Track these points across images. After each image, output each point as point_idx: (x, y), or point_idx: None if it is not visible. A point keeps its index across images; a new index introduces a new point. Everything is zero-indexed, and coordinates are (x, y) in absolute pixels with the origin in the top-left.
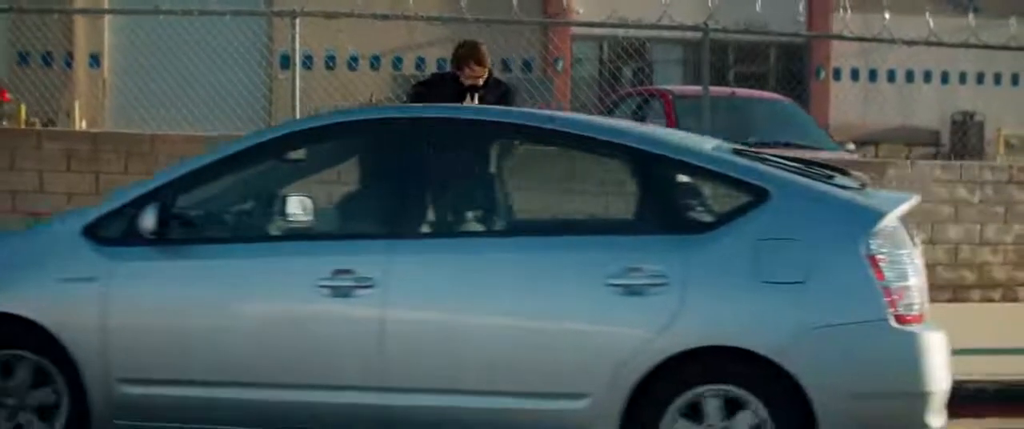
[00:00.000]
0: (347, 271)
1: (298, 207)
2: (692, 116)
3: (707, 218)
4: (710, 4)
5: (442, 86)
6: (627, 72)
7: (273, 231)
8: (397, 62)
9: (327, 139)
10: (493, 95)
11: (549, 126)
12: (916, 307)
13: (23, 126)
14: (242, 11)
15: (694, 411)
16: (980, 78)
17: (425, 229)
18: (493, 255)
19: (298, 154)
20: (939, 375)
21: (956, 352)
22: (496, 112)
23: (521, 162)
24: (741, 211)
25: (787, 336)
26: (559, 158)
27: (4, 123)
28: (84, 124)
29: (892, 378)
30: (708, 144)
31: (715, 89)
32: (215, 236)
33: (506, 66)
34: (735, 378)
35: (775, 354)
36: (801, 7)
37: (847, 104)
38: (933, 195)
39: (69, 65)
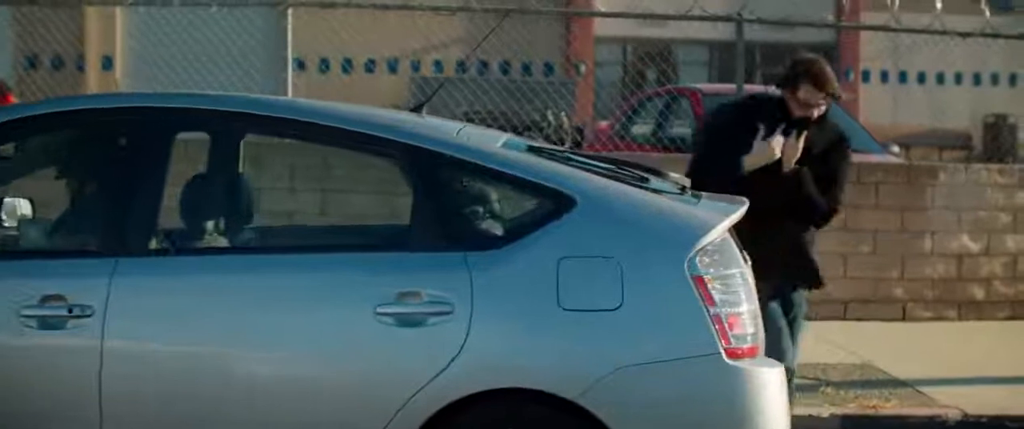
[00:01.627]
0: (58, 297)
1: (6, 215)
2: None
3: (499, 231)
4: None
5: (758, 113)
6: (651, 75)
7: None
8: (415, 65)
9: (38, 132)
10: (823, 141)
11: (305, 118)
12: (750, 338)
13: None
14: (229, 1)
15: None
16: (1012, 80)
17: (157, 245)
18: (239, 277)
19: (5, 150)
20: (778, 420)
21: (1010, 381)
22: (242, 101)
23: (278, 163)
24: (540, 223)
25: (597, 375)
26: (323, 158)
27: None
28: None
29: (724, 424)
30: (498, 140)
31: (749, 87)
32: None
33: (527, 69)
34: (534, 427)
35: (582, 397)
36: (833, 6)
37: (877, 106)
38: (989, 202)
39: (81, 68)
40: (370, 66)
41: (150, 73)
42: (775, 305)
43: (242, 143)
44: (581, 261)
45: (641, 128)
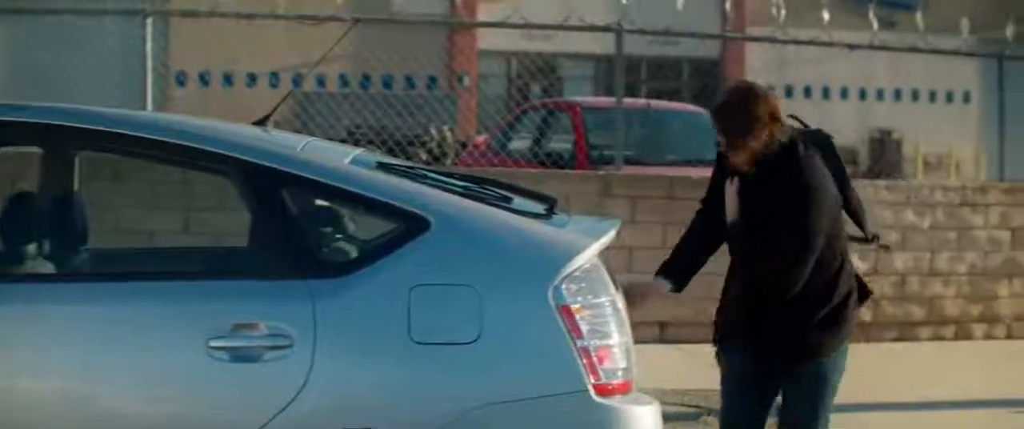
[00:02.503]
0: None
1: None
2: (603, 130)
3: (345, 257)
4: (623, 1)
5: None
6: (536, 88)
7: None
8: (296, 80)
9: None
10: (780, 191)
11: (134, 132)
12: (622, 373)
13: None
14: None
15: None
16: (898, 94)
17: None
18: (60, 308)
19: None
20: None
21: (901, 407)
22: (64, 113)
23: (111, 179)
24: (390, 248)
25: (452, 416)
26: (158, 175)
27: None
28: None
29: None
30: (345, 156)
31: (629, 101)
32: None
33: (410, 84)
34: None
35: None
36: (718, 20)
37: None
38: (876, 219)
39: None
40: (251, 80)
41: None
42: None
43: (77, 159)
44: (435, 289)
45: (519, 143)
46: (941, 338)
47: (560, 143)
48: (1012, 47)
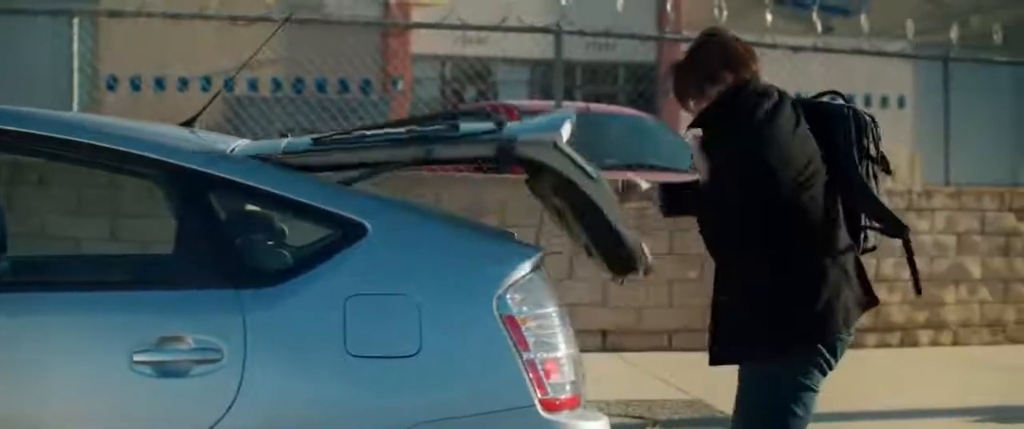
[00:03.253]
0: None
1: None
2: None
3: (277, 265)
4: (563, 2)
5: None
6: (471, 92)
7: None
8: (229, 83)
9: None
10: (717, 151)
11: (50, 132)
12: (569, 387)
13: None
14: (11, 9)
15: None
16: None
17: None
18: None
19: None
20: None
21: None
22: None
23: (35, 184)
24: (325, 255)
25: None
26: (75, 177)
27: None
28: None
29: None
30: (276, 147)
31: (567, 103)
32: None
33: (344, 87)
34: None
35: None
36: (654, 25)
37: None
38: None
39: None
40: (183, 85)
41: None
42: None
43: None
44: (372, 299)
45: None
46: (887, 345)
47: None
48: (955, 50)
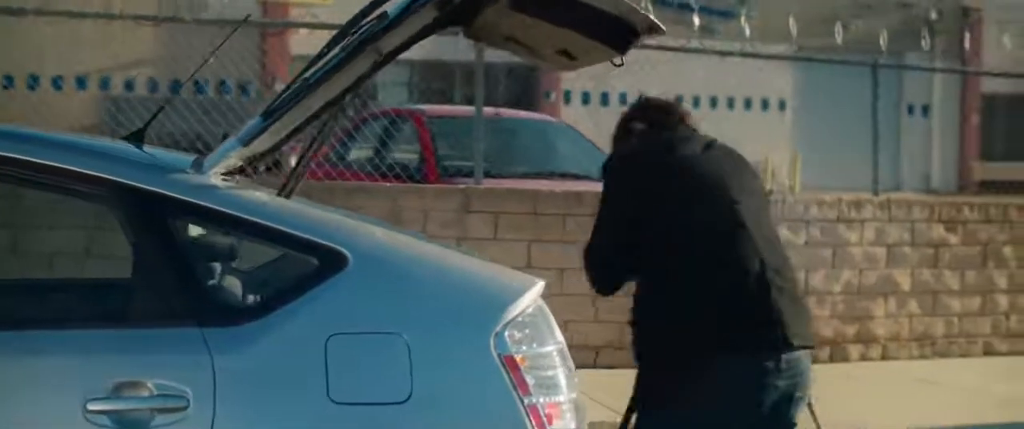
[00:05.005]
0: None
1: None
2: (449, 140)
3: (248, 300)
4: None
5: None
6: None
7: None
8: (105, 82)
9: None
10: None
11: None
12: None
13: None
14: None
15: None
16: (714, 102)
17: None
18: None
19: None
20: None
21: None
22: None
23: None
24: (301, 288)
25: None
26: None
27: None
28: None
29: None
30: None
31: (470, 109)
32: None
33: (224, 88)
34: None
35: None
36: None
37: (579, 129)
38: None
39: None
40: (58, 83)
41: None
42: None
43: None
44: (357, 339)
45: (359, 153)
46: (817, 360)
47: (404, 153)
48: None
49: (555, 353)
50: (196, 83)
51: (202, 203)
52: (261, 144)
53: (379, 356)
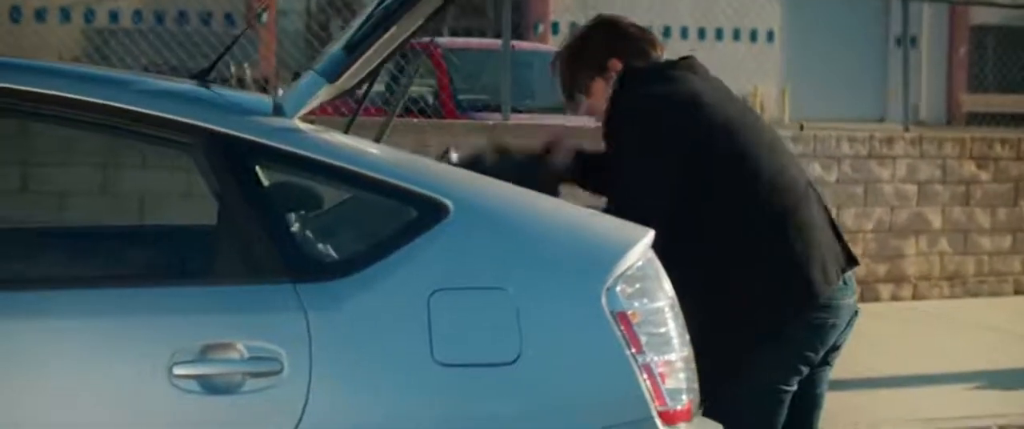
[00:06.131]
0: None
1: None
2: (465, 73)
3: (341, 253)
4: None
5: None
6: (337, 23)
7: None
8: (90, 15)
9: None
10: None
11: (55, 90)
12: (685, 395)
13: None
14: None
15: None
16: (702, 33)
17: None
18: None
19: None
20: None
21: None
22: None
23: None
24: (399, 241)
25: None
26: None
27: None
28: None
29: None
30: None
31: (484, 41)
32: None
33: (205, 21)
34: None
35: None
36: None
37: None
38: None
39: None
40: (41, 15)
41: None
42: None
43: None
44: (461, 295)
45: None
46: None
47: (418, 86)
48: None
49: (667, 308)
50: (181, 14)
51: (294, 150)
52: (346, 82)
53: (485, 313)
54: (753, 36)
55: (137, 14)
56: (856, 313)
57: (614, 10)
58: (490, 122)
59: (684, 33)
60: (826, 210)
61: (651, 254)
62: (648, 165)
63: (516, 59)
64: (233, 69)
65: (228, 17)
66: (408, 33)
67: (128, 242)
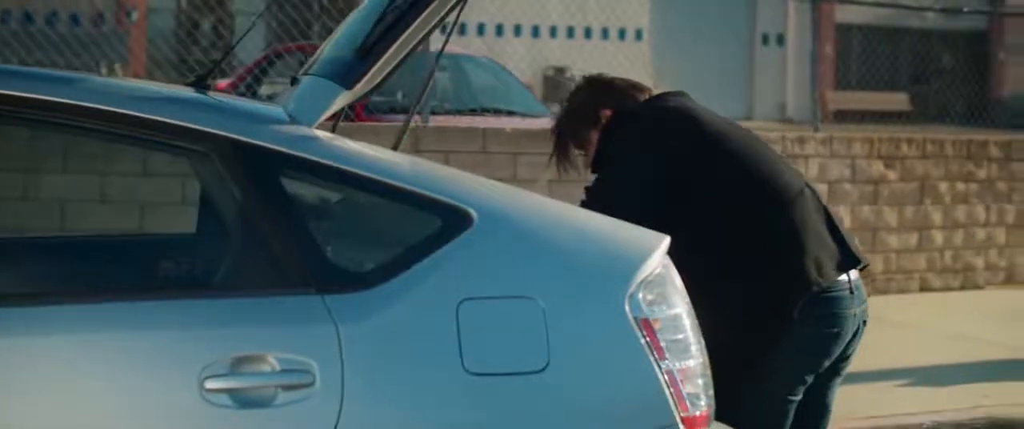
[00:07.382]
0: None
1: None
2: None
3: (369, 263)
4: None
5: None
6: (205, 24)
7: None
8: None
9: None
10: None
11: (72, 99)
12: (704, 400)
13: None
14: None
15: None
16: (570, 32)
17: None
18: (10, 340)
19: None
20: None
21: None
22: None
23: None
24: (426, 249)
25: None
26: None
27: None
28: None
29: None
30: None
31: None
32: None
33: (75, 21)
34: None
35: None
36: None
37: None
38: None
39: None
40: None
41: None
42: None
43: None
44: (489, 304)
45: (271, 89)
46: None
47: None
48: None
49: (684, 314)
50: (52, 15)
51: (316, 159)
52: (363, 88)
53: (513, 322)
54: (622, 34)
55: (4, 14)
56: (864, 322)
57: (491, 9)
58: (413, 124)
59: (553, 32)
60: (826, 212)
61: (668, 260)
62: (640, 162)
63: (430, 62)
64: (103, 69)
65: (99, 16)
66: (422, 35)
67: (155, 255)
